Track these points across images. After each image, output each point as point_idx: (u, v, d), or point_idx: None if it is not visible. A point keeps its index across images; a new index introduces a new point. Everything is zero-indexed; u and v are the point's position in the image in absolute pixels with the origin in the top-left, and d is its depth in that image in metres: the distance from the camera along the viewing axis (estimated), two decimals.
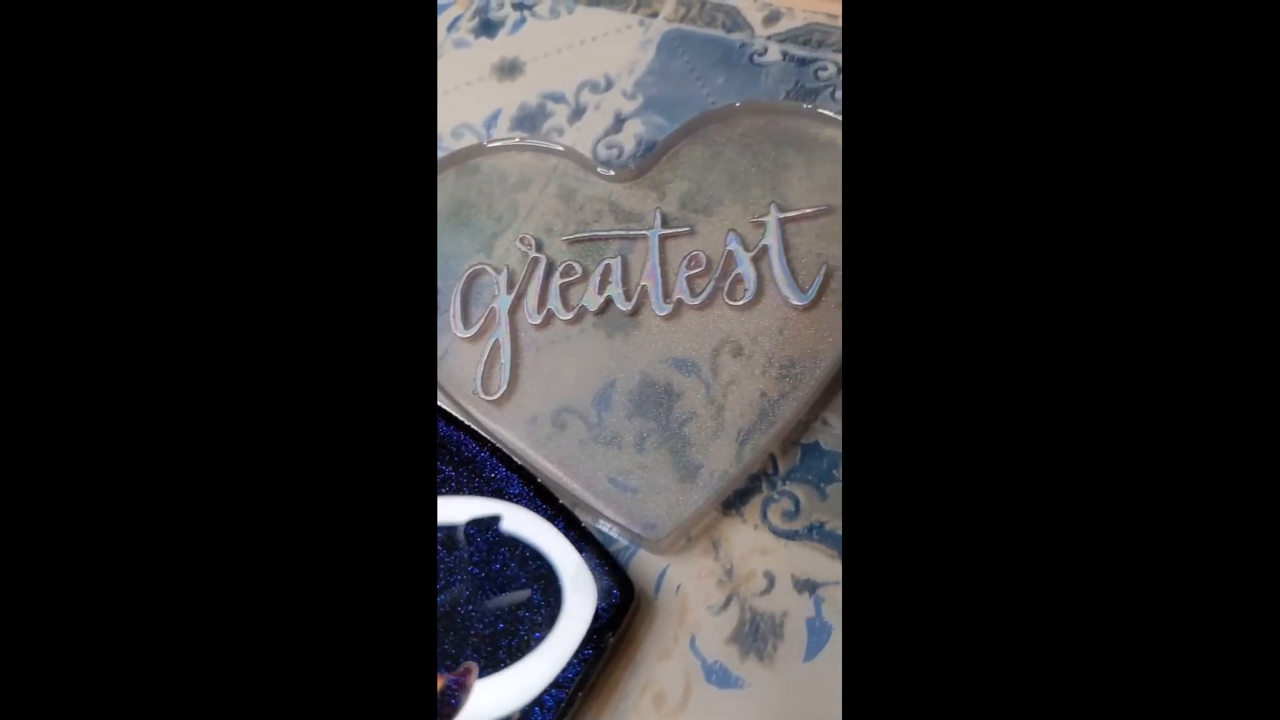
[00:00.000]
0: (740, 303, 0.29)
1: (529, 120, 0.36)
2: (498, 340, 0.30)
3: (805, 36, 0.36)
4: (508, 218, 0.33)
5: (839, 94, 0.34)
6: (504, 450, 0.28)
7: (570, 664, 0.24)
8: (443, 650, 0.25)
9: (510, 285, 0.31)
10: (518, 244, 0.32)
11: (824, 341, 0.28)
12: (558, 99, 0.36)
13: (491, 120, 0.37)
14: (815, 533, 0.26)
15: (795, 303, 0.28)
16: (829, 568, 0.25)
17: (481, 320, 0.30)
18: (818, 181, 0.31)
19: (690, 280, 0.29)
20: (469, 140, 0.36)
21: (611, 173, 0.33)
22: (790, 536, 0.26)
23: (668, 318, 0.29)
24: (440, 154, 0.34)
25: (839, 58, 0.35)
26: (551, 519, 0.26)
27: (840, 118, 0.32)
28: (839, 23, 0.36)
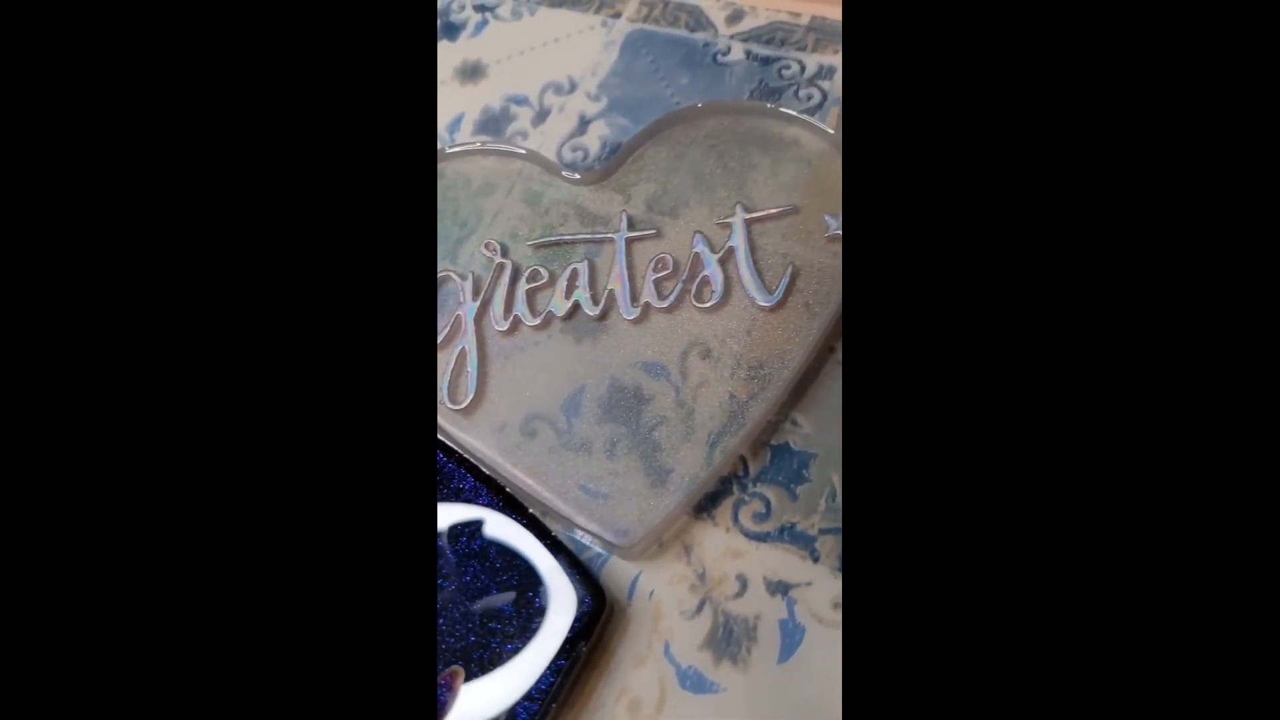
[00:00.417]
0: (708, 305, 0.29)
1: (492, 124, 0.36)
2: (464, 348, 0.30)
3: (768, 35, 0.36)
4: (472, 223, 0.32)
5: (803, 92, 0.34)
6: (471, 460, 0.28)
7: (543, 675, 0.24)
8: None
9: (476, 292, 0.30)
10: (483, 250, 0.31)
11: (791, 342, 0.28)
12: (521, 102, 0.36)
13: (454, 124, 0.36)
14: (787, 534, 0.26)
15: (762, 303, 0.28)
16: (801, 569, 0.25)
17: (447, 328, 0.30)
18: (783, 181, 0.31)
19: (658, 283, 0.29)
20: None
21: (577, 176, 0.32)
22: (762, 538, 0.26)
23: (636, 321, 0.29)
24: None
25: (802, 56, 0.35)
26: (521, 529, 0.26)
27: (804, 116, 0.32)
28: (803, 21, 0.36)
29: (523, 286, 0.30)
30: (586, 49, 0.37)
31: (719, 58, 0.36)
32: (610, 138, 0.34)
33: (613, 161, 0.32)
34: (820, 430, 0.27)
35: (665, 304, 0.29)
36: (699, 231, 0.30)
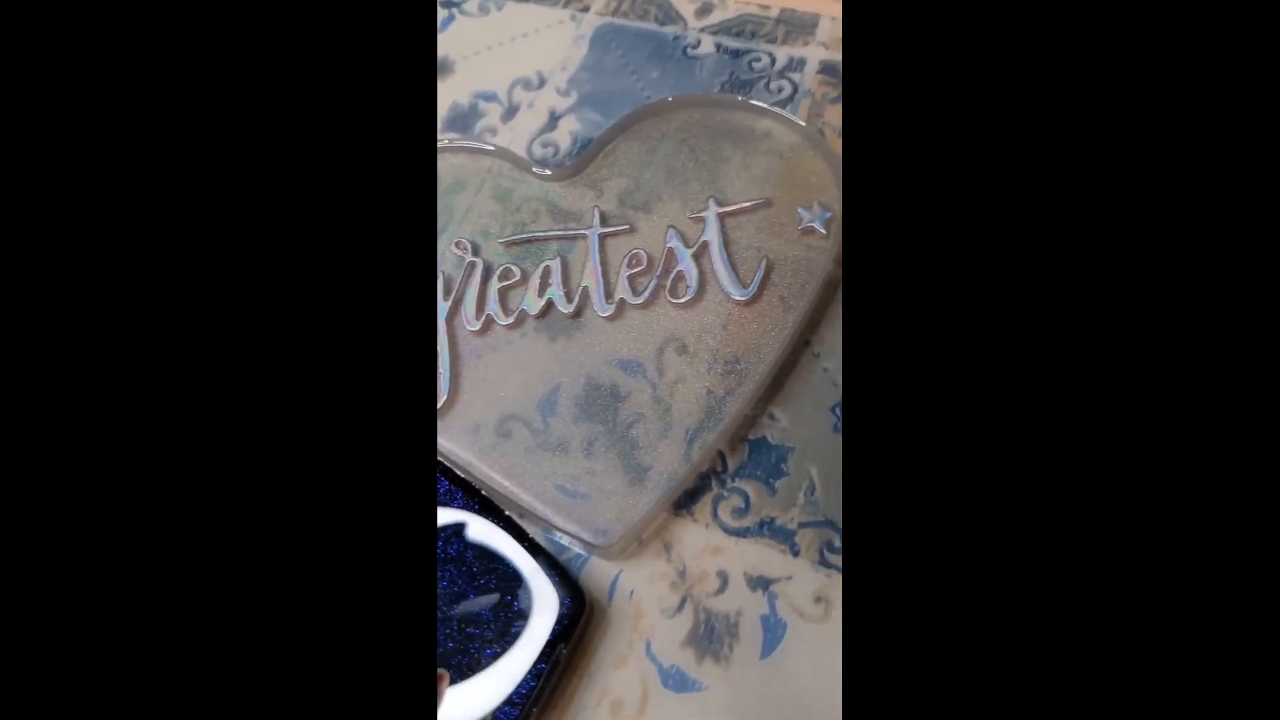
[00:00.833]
0: (683, 300, 0.28)
1: (461, 121, 0.35)
2: (435, 348, 0.29)
3: (738, 28, 0.36)
4: (442, 222, 0.32)
5: (774, 84, 0.34)
6: (446, 463, 0.27)
7: (524, 679, 0.23)
8: None
9: (447, 291, 0.30)
10: (453, 248, 0.31)
11: (767, 335, 0.28)
12: (489, 98, 0.36)
13: None
14: (766, 529, 0.26)
15: (737, 298, 0.28)
16: (781, 563, 0.25)
17: None
18: (755, 174, 0.30)
19: (632, 279, 0.29)
20: None
21: (548, 172, 0.32)
22: (741, 534, 0.26)
23: (611, 318, 0.29)
24: None
25: (772, 49, 0.35)
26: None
27: (775, 109, 0.31)
28: (772, 13, 0.36)
29: (495, 285, 0.30)
30: (555, 44, 0.37)
31: (689, 51, 0.35)
32: (581, 133, 0.34)
33: (584, 157, 0.32)
34: (797, 424, 0.27)
35: (640, 300, 0.29)
36: (672, 226, 0.30)
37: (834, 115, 0.33)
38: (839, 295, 0.29)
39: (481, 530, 0.26)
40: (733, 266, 0.29)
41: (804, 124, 0.31)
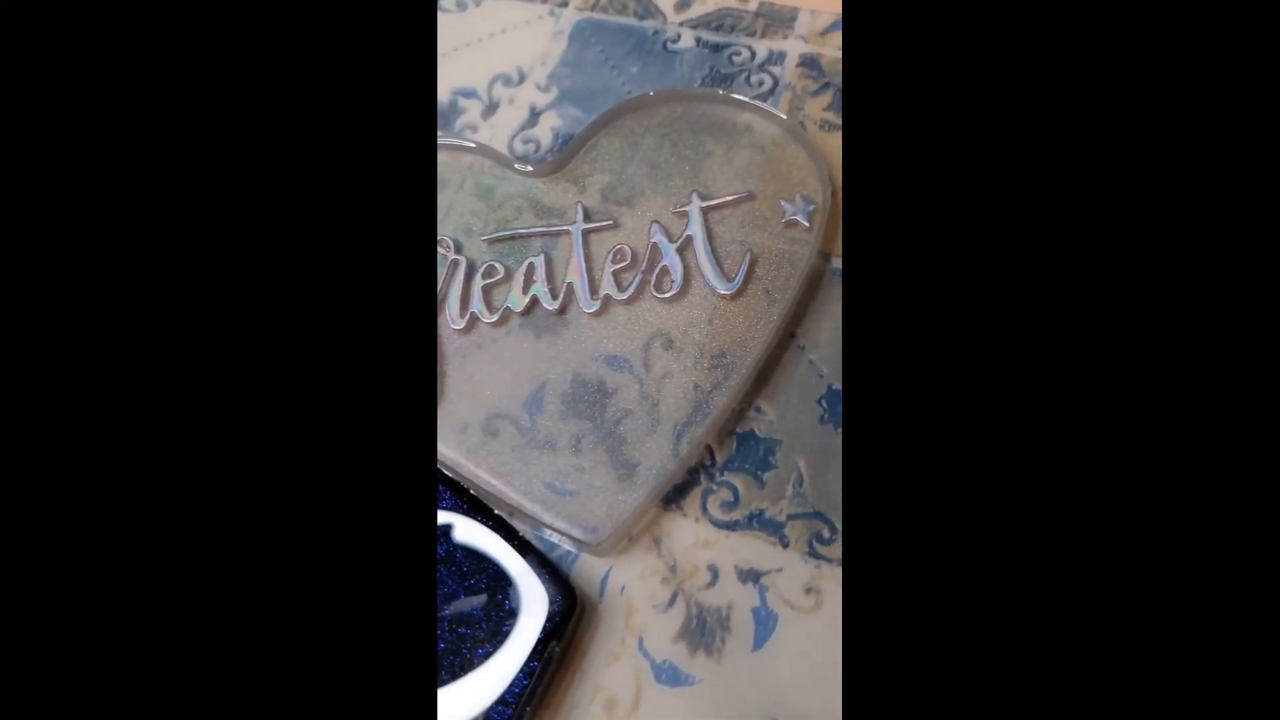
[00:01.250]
0: (668, 295, 0.28)
1: (441, 118, 0.35)
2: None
3: (717, 22, 0.36)
4: None
5: (754, 78, 0.34)
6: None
7: (516, 678, 0.23)
8: None
9: None
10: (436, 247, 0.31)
11: (752, 329, 0.28)
12: (469, 95, 0.35)
13: None
14: (755, 521, 0.26)
15: (722, 292, 0.28)
16: (771, 555, 0.25)
17: None
18: (737, 168, 0.30)
19: (616, 275, 0.29)
20: None
21: (530, 168, 0.32)
22: (731, 527, 0.26)
23: (596, 314, 0.29)
24: None
25: (752, 42, 0.35)
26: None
27: (756, 102, 0.31)
28: (751, 7, 0.36)
29: (478, 283, 0.29)
30: (534, 39, 0.36)
31: (669, 45, 0.35)
32: (562, 129, 0.34)
33: (566, 153, 0.32)
34: (784, 416, 0.27)
35: (625, 296, 0.28)
36: (656, 221, 0.30)
37: (814, 108, 0.33)
38: (823, 287, 0.29)
39: (471, 530, 0.26)
40: (717, 260, 0.29)
41: (785, 117, 0.31)
